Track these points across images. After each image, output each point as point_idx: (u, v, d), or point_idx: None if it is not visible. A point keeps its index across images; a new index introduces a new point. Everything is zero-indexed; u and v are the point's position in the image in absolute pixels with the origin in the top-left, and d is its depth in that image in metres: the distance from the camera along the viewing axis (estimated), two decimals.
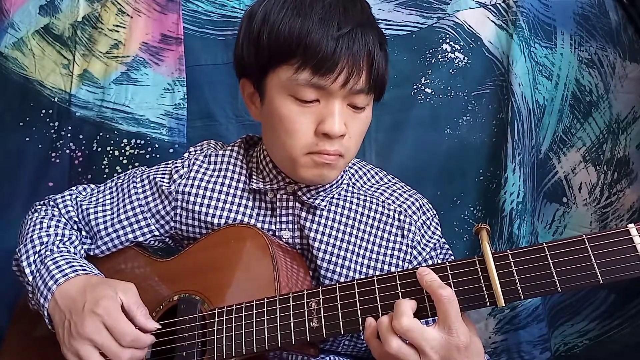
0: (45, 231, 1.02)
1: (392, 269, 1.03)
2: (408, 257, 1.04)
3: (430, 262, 1.05)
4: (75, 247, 1.02)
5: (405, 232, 1.04)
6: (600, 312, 1.54)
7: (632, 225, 0.73)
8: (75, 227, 1.06)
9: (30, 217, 1.06)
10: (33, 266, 0.97)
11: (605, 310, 1.53)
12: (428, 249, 1.06)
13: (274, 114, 0.94)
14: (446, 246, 1.09)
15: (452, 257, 1.10)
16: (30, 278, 0.96)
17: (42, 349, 0.98)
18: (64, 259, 0.96)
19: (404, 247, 1.04)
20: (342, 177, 1.05)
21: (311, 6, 0.89)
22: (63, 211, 1.06)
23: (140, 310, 0.91)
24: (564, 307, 1.55)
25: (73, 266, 0.95)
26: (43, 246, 0.99)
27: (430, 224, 1.08)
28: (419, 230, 1.06)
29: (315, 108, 0.91)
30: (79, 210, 1.07)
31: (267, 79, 0.94)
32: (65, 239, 1.02)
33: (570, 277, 0.74)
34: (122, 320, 0.88)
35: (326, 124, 0.90)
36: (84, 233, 1.06)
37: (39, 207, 1.09)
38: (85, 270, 0.95)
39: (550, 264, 0.75)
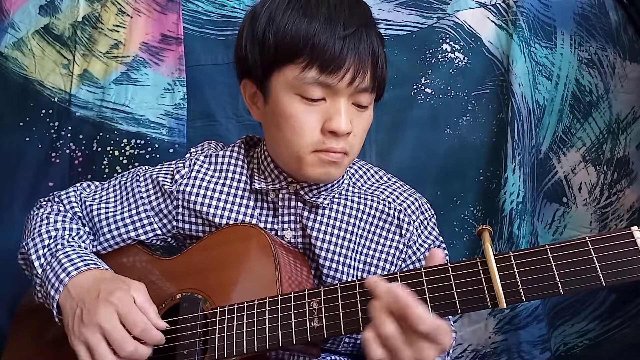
0: (53, 225, 1.02)
1: (389, 267, 1.04)
2: (403, 255, 1.04)
3: (423, 262, 1.05)
4: (84, 242, 1.03)
5: (403, 232, 1.05)
6: (600, 312, 1.54)
7: (635, 227, 0.73)
8: (80, 222, 1.07)
9: (35, 212, 1.07)
10: (43, 259, 0.97)
11: (605, 310, 1.53)
12: (422, 249, 1.06)
13: (280, 113, 0.94)
14: (443, 245, 1.10)
15: (448, 257, 1.10)
16: (40, 271, 0.96)
17: (47, 350, 0.98)
18: (75, 253, 0.96)
19: (400, 246, 1.04)
20: (342, 176, 1.06)
21: (317, 7, 0.91)
22: (68, 207, 1.07)
23: (152, 308, 0.91)
24: (564, 307, 1.56)
25: (85, 260, 0.95)
26: (52, 240, 0.99)
27: (428, 224, 1.09)
28: (416, 230, 1.06)
29: (322, 106, 0.93)
30: (83, 206, 1.07)
31: (272, 78, 0.95)
32: (74, 233, 1.03)
33: (572, 279, 0.73)
34: (134, 310, 0.88)
35: (333, 122, 0.91)
36: (86, 229, 1.07)
37: (44, 203, 1.10)
38: (97, 265, 0.96)
39: (553, 266, 0.74)
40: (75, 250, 0.97)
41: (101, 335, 0.86)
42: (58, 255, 0.96)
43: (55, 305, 0.93)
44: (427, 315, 0.73)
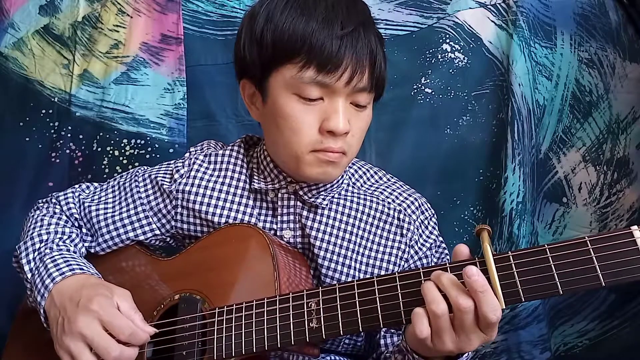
0: (46, 229, 1.02)
1: (392, 268, 1.03)
2: (405, 255, 1.04)
3: (425, 262, 1.06)
4: (75, 246, 1.02)
5: (404, 231, 1.05)
6: (600, 312, 1.54)
7: (635, 227, 0.72)
8: (76, 224, 1.07)
9: (32, 214, 1.07)
10: (32, 264, 0.97)
11: (605, 310, 1.53)
12: (424, 249, 1.06)
13: (278, 113, 0.94)
14: (443, 245, 1.10)
15: (448, 256, 1.10)
16: (29, 275, 0.96)
17: (46, 352, 0.98)
18: (62, 258, 0.96)
19: (402, 246, 1.04)
20: (342, 176, 1.06)
21: (314, 6, 0.91)
22: (64, 208, 1.07)
23: (137, 315, 0.90)
24: (564, 307, 1.56)
25: (71, 265, 0.95)
26: (43, 244, 0.99)
27: (428, 223, 1.08)
28: (417, 230, 1.06)
29: (320, 106, 0.93)
30: (81, 207, 1.07)
31: (270, 78, 0.95)
32: (66, 237, 1.02)
33: (572, 279, 0.73)
34: (118, 316, 0.87)
35: (331, 121, 0.91)
36: (84, 230, 1.06)
37: (42, 204, 1.09)
38: (83, 269, 0.95)
39: (552, 265, 0.74)
40: (63, 255, 0.97)
41: (84, 343, 0.85)
42: (45, 259, 0.95)
43: (42, 311, 0.93)
44: (499, 306, 0.73)
